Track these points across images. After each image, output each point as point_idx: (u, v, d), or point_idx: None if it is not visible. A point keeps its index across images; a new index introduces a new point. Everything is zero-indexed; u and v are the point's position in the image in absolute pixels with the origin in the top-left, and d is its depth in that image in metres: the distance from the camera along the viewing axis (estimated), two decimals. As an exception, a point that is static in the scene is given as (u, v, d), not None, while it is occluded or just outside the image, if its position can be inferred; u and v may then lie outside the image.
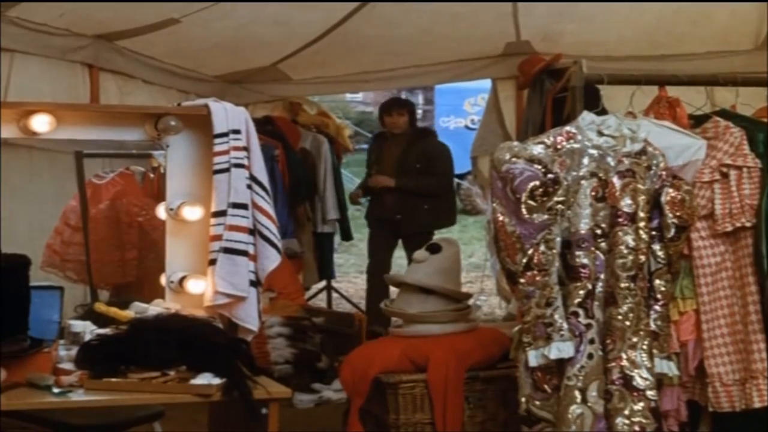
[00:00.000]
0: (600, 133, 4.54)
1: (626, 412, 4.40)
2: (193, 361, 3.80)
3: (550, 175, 4.40)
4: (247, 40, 7.69)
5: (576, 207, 4.44)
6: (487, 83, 8.82)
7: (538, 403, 4.47)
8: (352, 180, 12.59)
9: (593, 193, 4.46)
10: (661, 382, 4.52)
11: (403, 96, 20.93)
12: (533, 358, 4.42)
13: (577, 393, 4.38)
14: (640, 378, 4.41)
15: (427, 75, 8.99)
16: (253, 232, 4.32)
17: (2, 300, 3.72)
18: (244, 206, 4.30)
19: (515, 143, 4.61)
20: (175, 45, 7.34)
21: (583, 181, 4.45)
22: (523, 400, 4.50)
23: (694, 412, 4.71)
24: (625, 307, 4.42)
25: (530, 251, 4.39)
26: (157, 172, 5.09)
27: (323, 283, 9.86)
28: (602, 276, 4.44)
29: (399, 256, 8.72)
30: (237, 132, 4.36)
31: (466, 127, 17.70)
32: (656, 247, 4.51)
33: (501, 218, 4.43)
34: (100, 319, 4.26)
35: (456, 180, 16.53)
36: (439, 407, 5.02)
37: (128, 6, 6.30)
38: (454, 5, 7.31)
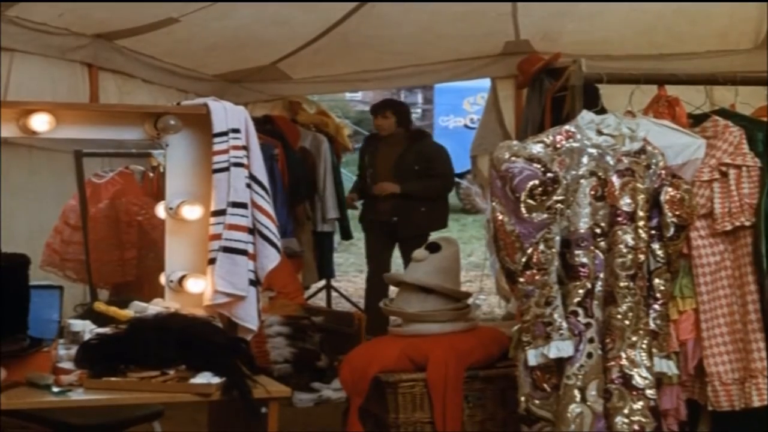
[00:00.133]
0: (599, 132, 4.54)
1: (625, 411, 4.40)
2: (193, 361, 3.81)
3: (549, 174, 4.40)
4: (246, 39, 7.68)
5: (575, 206, 4.45)
6: (486, 82, 8.82)
7: (537, 402, 4.48)
8: (351, 179, 12.59)
9: (592, 192, 4.46)
10: (660, 381, 4.52)
11: (402, 95, 21.06)
12: (532, 357, 4.42)
13: (576, 392, 4.38)
14: (640, 377, 4.41)
15: (426, 74, 8.98)
16: (252, 231, 4.32)
17: (2, 299, 3.73)
18: (243, 205, 4.31)
19: (514, 142, 4.62)
20: (175, 44, 7.33)
21: (582, 180, 4.45)
22: (522, 399, 4.50)
23: (693, 411, 4.72)
24: (624, 306, 4.42)
25: (529, 250, 4.40)
26: (157, 171, 5.09)
27: (323, 283, 9.86)
28: (601, 275, 4.44)
29: (395, 255, 8.67)
30: (236, 131, 4.37)
31: (466, 126, 17.70)
32: (655, 246, 4.51)
33: (500, 217, 4.44)
34: (99, 319, 4.26)
35: (456, 179, 16.61)
36: (438, 406, 5.03)
37: (127, 5, 6.30)
38: (454, 5, 7.30)
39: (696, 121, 4.87)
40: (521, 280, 4.42)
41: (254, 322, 4.32)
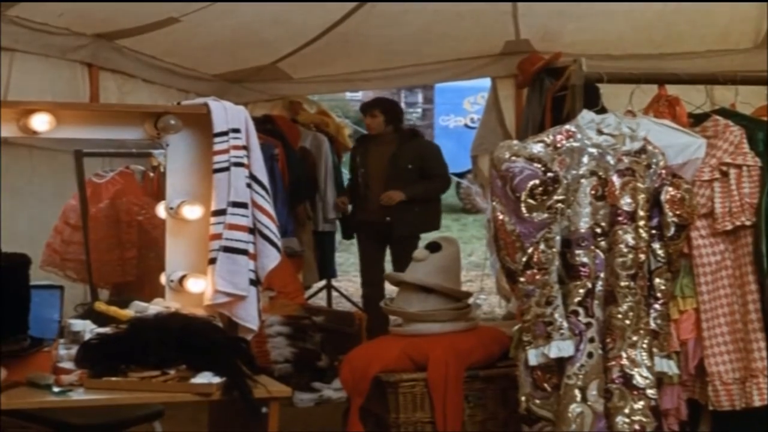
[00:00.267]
0: (600, 132, 4.54)
1: (626, 410, 4.40)
2: (193, 360, 3.80)
3: (549, 174, 4.40)
4: (246, 39, 7.69)
5: (576, 206, 4.45)
6: (486, 82, 8.81)
7: (538, 401, 4.48)
8: (351, 179, 12.56)
9: (593, 192, 4.46)
10: (661, 380, 4.52)
11: (403, 95, 21.06)
12: (533, 356, 4.42)
13: (577, 392, 4.38)
14: (640, 377, 4.41)
15: (426, 74, 8.97)
16: (253, 230, 4.32)
17: (2, 299, 3.72)
18: (243, 205, 4.31)
19: (515, 142, 4.62)
20: (175, 44, 7.33)
21: (582, 180, 4.46)
22: (523, 398, 4.50)
23: (694, 411, 4.72)
24: (625, 306, 4.42)
25: (530, 250, 4.40)
26: (157, 171, 5.09)
27: (323, 282, 9.85)
28: (602, 275, 4.44)
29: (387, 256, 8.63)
30: (237, 131, 4.36)
31: (466, 125, 17.70)
32: (656, 245, 4.51)
33: (501, 217, 4.43)
34: (100, 318, 4.26)
35: (456, 179, 16.62)
36: (439, 406, 5.03)
37: (128, 5, 6.30)
38: (454, 4, 7.31)
39: (696, 120, 4.87)
40: (522, 279, 4.42)
41: (255, 321, 4.32)
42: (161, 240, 4.54)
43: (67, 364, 3.88)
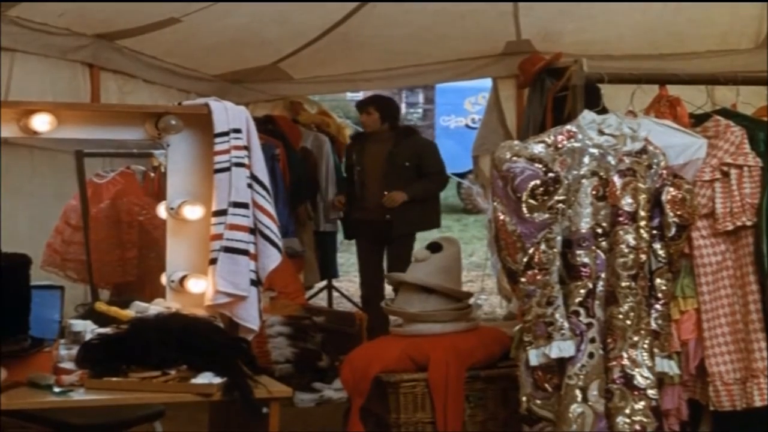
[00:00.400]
0: (601, 132, 4.54)
1: (627, 411, 4.40)
2: (194, 361, 3.81)
3: (550, 174, 4.40)
4: (247, 39, 7.69)
5: (577, 206, 4.44)
6: (487, 82, 8.81)
7: (539, 402, 4.47)
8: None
9: (594, 192, 4.46)
10: (661, 381, 4.52)
11: (404, 95, 21.05)
12: (534, 357, 4.42)
13: (577, 392, 4.37)
14: (641, 377, 4.41)
15: (427, 74, 8.96)
16: (253, 231, 4.32)
17: (3, 299, 3.72)
18: (244, 205, 4.31)
19: (516, 142, 4.62)
20: (176, 44, 7.34)
21: (583, 180, 4.45)
22: (523, 399, 4.50)
23: (694, 411, 4.71)
24: (626, 306, 4.42)
25: (531, 250, 4.39)
26: (158, 171, 5.10)
27: (324, 282, 9.85)
28: (603, 275, 4.44)
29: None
30: (238, 131, 4.37)
31: (467, 126, 17.70)
32: (657, 246, 4.51)
33: (502, 217, 4.43)
34: (100, 319, 4.26)
35: (457, 179, 16.62)
36: (439, 406, 5.02)
37: (128, 5, 6.30)
38: (455, 4, 7.30)
39: (697, 120, 4.87)
40: (523, 280, 4.42)
41: (255, 322, 4.32)
42: (162, 240, 4.54)
43: (68, 365, 3.88)
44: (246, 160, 4.35)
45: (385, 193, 8.04)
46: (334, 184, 9.19)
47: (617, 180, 4.47)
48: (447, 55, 8.44)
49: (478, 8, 7.42)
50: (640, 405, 4.40)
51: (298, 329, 6.93)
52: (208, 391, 3.73)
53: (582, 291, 4.42)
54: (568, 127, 4.57)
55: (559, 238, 4.42)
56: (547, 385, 4.46)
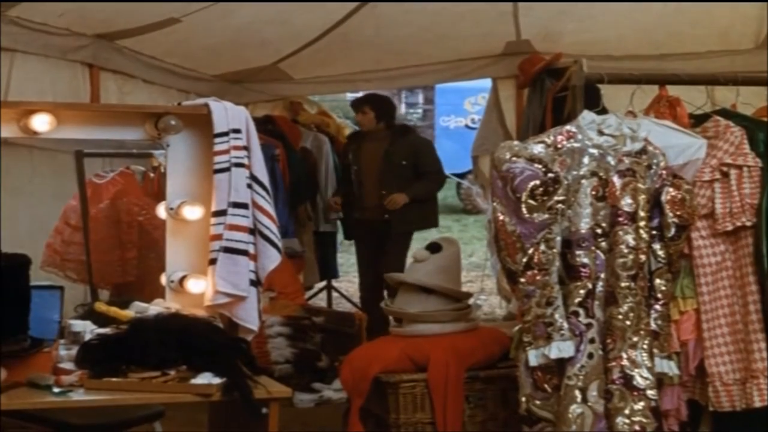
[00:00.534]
0: (600, 133, 4.54)
1: (626, 411, 4.40)
2: (194, 361, 3.80)
3: (550, 175, 4.40)
4: (247, 39, 7.69)
5: (576, 206, 4.44)
6: (487, 82, 8.81)
7: (538, 402, 4.48)
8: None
9: (593, 193, 4.46)
10: (661, 381, 4.52)
11: (404, 95, 21.04)
12: (533, 357, 4.42)
13: (577, 392, 4.37)
14: (641, 377, 4.41)
15: (427, 74, 8.96)
16: (253, 231, 4.32)
17: (3, 300, 3.72)
18: (244, 206, 4.31)
19: (515, 142, 4.62)
20: (176, 44, 7.34)
21: (583, 181, 4.45)
22: (523, 399, 4.50)
23: (694, 412, 4.71)
24: (625, 307, 4.42)
25: (530, 251, 4.39)
26: (158, 171, 5.10)
27: (323, 283, 9.85)
28: (602, 275, 4.44)
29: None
30: (237, 131, 4.36)
31: (467, 126, 17.70)
32: (656, 246, 4.51)
33: (501, 217, 4.43)
34: (100, 319, 4.26)
35: (457, 179, 16.62)
36: (439, 407, 5.02)
37: (128, 5, 6.30)
38: (455, 5, 7.30)
39: (697, 121, 4.87)
40: (522, 280, 4.42)
41: (255, 322, 4.32)
42: (161, 240, 4.54)
43: (68, 365, 3.88)
44: (246, 161, 4.35)
45: (383, 192, 8.01)
46: (333, 185, 9.19)
47: (617, 180, 4.47)
48: (447, 55, 8.44)
49: (478, 8, 7.42)
50: (640, 405, 4.40)
51: (298, 329, 6.93)
52: (207, 392, 3.73)
53: (581, 291, 4.42)
54: (568, 127, 4.57)
55: (558, 238, 4.42)
56: (546, 386, 4.46)
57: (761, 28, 7.53)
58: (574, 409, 4.37)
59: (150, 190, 5.34)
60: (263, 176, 4.41)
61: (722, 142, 4.67)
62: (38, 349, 3.84)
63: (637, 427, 4.39)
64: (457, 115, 18.39)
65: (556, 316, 4.38)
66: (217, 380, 3.75)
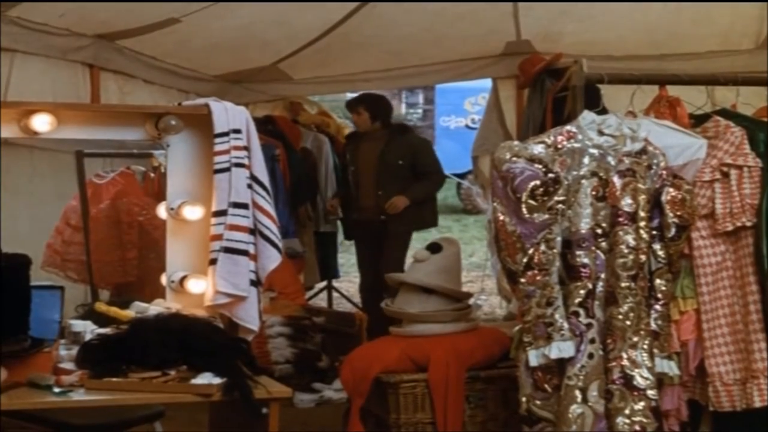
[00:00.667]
0: (600, 133, 4.54)
1: (627, 411, 4.40)
2: (194, 361, 3.81)
3: (550, 175, 4.40)
4: (247, 39, 7.69)
5: (576, 206, 4.45)
6: (487, 82, 8.81)
7: (538, 402, 4.48)
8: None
9: (594, 193, 4.46)
10: (661, 381, 4.52)
11: (404, 96, 21.03)
12: (534, 357, 4.42)
13: (577, 392, 4.38)
14: (641, 377, 4.41)
15: (427, 74, 8.95)
16: (253, 231, 4.32)
17: (3, 299, 3.72)
18: (244, 206, 4.31)
19: (516, 143, 4.62)
20: (176, 45, 7.34)
21: (583, 181, 4.45)
22: (523, 399, 4.50)
23: (694, 412, 4.71)
24: (625, 307, 4.42)
25: (531, 251, 4.39)
26: (158, 171, 5.10)
27: (324, 283, 9.85)
28: (603, 275, 4.44)
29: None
30: (237, 131, 4.36)
31: (467, 126, 17.70)
32: (657, 246, 4.51)
33: (501, 218, 4.43)
34: (100, 319, 4.26)
35: (457, 180, 16.62)
36: (439, 407, 5.03)
37: (128, 6, 6.30)
38: (455, 5, 7.31)
39: (697, 121, 4.87)
40: (522, 280, 4.42)
41: (255, 322, 4.32)
42: (162, 241, 4.54)
43: (68, 365, 3.88)
44: (246, 161, 4.35)
45: (379, 193, 7.99)
46: (333, 185, 9.19)
47: (617, 180, 4.47)
48: (447, 55, 8.44)
49: (478, 9, 7.42)
50: (640, 405, 4.40)
51: (298, 330, 6.92)
52: (207, 392, 3.73)
53: (582, 291, 4.42)
54: (568, 127, 4.57)
55: (558, 238, 4.42)
56: (546, 386, 4.46)
57: (761, 28, 7.54)
58: (575, 409, 4.37)
59: (150, 190, 5.34)
60: (263, 176, 4.41)
61: (722, 142, 4.67)
62: (38, 349, 3.84)
63: (637, 427, 4.39)
64: (458, 115, 18.40)
65: (557, 316, 4.38)
66: (217, 380, 3.75)
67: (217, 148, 4.33)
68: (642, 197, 4.46)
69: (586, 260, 4.42)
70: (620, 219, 4.45)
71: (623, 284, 4.42)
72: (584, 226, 4.44)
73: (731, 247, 4.63)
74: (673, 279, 4.57)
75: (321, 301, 9.91)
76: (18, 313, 3.79)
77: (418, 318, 5.25)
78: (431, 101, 20.12)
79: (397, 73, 8.80)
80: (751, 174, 4.61)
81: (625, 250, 4.43)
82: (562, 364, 4.40)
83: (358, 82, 9.27)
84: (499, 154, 4.47)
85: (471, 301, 5.51)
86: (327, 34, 7.84)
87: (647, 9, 7.37)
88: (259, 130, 4.68)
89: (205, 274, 4.34)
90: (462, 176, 16.45)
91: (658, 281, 4.51)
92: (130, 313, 4.29)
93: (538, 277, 4.39)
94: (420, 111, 21.42)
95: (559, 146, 4.49)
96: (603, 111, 4.81)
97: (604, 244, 4.45)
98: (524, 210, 4.37)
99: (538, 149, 4.46)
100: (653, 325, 4.49)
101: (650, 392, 4.42)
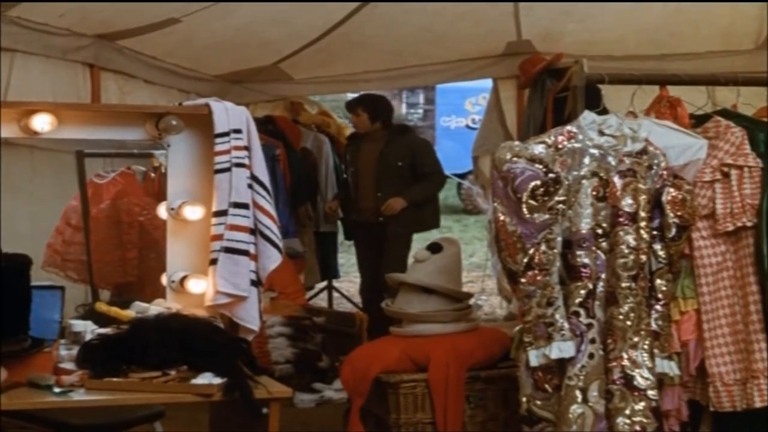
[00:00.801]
0: (601, 133, 4.54)
1: (627, 411, 4.40)
2: (194, 361, 3.81)
3: (551, 175, 4.40)
4: (248, 39, 7.69)
5: (577, 206, 4.44)
6: (488, 83, 8.81)
7: (539, 402, 4.48)
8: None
9: (594, 193, 4.46)
10: (662, 381, 4.52)
11: (404, 96, 21.02)
12: (534, 357, 4.42)
13: (578, 393, 4.37)
14: (641, 378, 4.41)
15: (428, 74, 8.95)
16: (254, 231, 4.32)
17: (3, 299, 3.72)
18: (245, 206, 4.31)
19: (516, 143, 4.62)
20: (176, 45, 7.34)
21: (584, 181, 4.45)
22: (524, 399, 4.50)
23: (695, 412, 4.71)
24: (626, 307, 4.42)
25: (531, 251, 4.39)
26: (158, 171, 5.10)
27: (324, 283, 9.85)
28: (603, 276, 4.44)
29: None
30: (238, 131, 4.37)
31: (467, 126, 17.71)
32: (657, 246, 4.51)
33: (502, 218, 4.43)
34: (101, 319, 4.27)
35: (457, 180, 16.62)
36: (440, 407, 5.02)
37: (129, 6, 6.30)
38: (455, 5, 7.31)
39: (698, 121, 4.87)
40: (523, 280, 4.42)
41: (255, 322, 4.32)
42: (162, 241, 4.54)
43: (68, 365, 3.88)
44: (246, 161, 4.35)
45: (378, 194, 7.96)
46: (333, 185, 9.19)
47: (617, 181, 4.47)
48: (447, 55, 8.44)
49: (479, 8, 7.42)
50: (640, 406, 4.40)
51: (299, 330, 6.93)
52: (208, 392, 3.73)
53: (582, 292, 4.42)
54: (569, 127, 4.57)
55: (559, 238, 4.42)
56: (547, 386, 4.46)
57: (761, 28, 7.53)
58: (575, 409, 4.37)
59: (151, 190, 5.34)
60: (264, 176, 4.41)
61: (723, 142, 4.67)
62: (39, 349, 3.84)
63: (637, 428, 4.39)
64: (458, 115, 18.40)
65: (557, 316, 4.38)
66: (217, 380, 3.75)
67: (218, 148, 4.34)
68: (642, 197, 4.46)
69: (586, 260, 4.42)
70: (621, 219, 4.45)
71: (624, 284, 4.42)
72: (585, 226, 4.44)
73: (732, 248, 4.63)
74: (673, 279, 4.57)
75: (321, 301, 9.91)
76: (18, 313, 3.79)
77: (419, 318, 5.25)
78: (432, 101, 20.13)
79: (397, 73, 8.80)
80: (752, 174, 4.61)
81: (626, 251, 4.43)
82: (562, 364, 4.40)
83: (359, 82, 9.27)
84: (500, 154, 4.47)
85: (471, 301, 5.51)
86: (327, 34, 7.84)
87: (647, 9, 7.37)
88: (260, 130, 4.68)
89: (206, 274, 4.34)
90: (462, 176, 16.45)
91: (658, 281, 4.51)
92: (130, 313, 4.30)
93: (539, 277, 4.39)
94: (420, 111, 21.42)
95: (560, 146, 4.49)
96: (603, 111, 4.80)
97: (604, 244, 4.45)
98: (525, 210, 4.37)
99: (538, 149, 4.46)
100: (654, 326, 4.48)
101: (651, 392, 4.42)
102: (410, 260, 6.65)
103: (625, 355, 4.42)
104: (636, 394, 4.40)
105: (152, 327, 3.92)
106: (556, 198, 4.39)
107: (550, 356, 4.37)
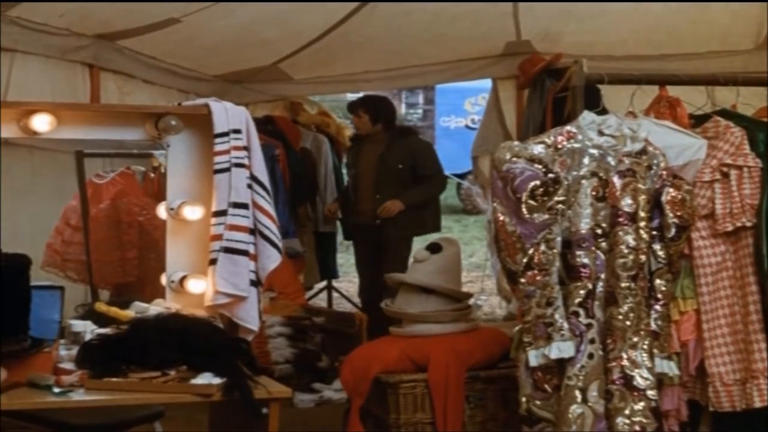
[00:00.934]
0: (600, 133, 4.54)
1: (627, 411, 4.40)
2: (194, 361, 3.81)
3: (550, 175, 4.40)
4: (247, 39, 7.69)
5: (576, 207, 4.45)
6: (487, 83, 8.81)
7: (538, 402, 4.48)
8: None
9: (594, 193, 4.46)
10: (661, 381, 4.52)
11: (404, 96, 21.03)
12: (534, 357, 4.42)
13: (577, 393, 4.38)
14: (641, 378, 4.41)
15: (427, 74, 8.95)
16: (253, 231, 4.32)
17: (3, 300, 3.72)
18: (244, 206, 4.31)
19: (516, 143, 4.62)
20: (176, 45, 7.34)
21: (583, 181, 4.45)
22: (523, 399, 4.50)
23: (694, 412, 4.71)
24: (625, 307, 4.42)
25: (531, 251, 4.39)
26: (158, 171, 5.10)
27: (324, 283, 9.85)
28: (603, 276, 4.44)
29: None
30: (237, 131, 4.37)
31: (467, 126, 17.70)
32: (657, 246, 4.51)
33: (501, 218, 4.43)
34: (100, 319, 4.27)
35: (457, 180, 16.62)
36: (439, 407, 5.02)
37: (129, 6, 6.30)
38: (455, 5, 7.31)
39: (697, 121, 4.87)
40: (522, 280, 4.42)
41: (255, 322, 4.32)
42: (162, 241, 4.54)
43: (68, 365, 3.88)
44: (246, 161, 4.35)
45: (377, 197, 7.91)
46: (332, 185, 9.19)
47: (617, 181, 4.48)
48: (447, 55, 8.44)
49: (478, 9, 7.42)
50: (640, 406, 4.40)
51: (298, 330, 6.93)
52: (207, 392, 3.73)
53: (582, 292, 4.42)
54: (568, 127, 4.57)
55: (558, 238, 4.42)
56: (546, 386, 4.46)
57: (761, 28, 7.54)
58: (575, 409, 4.37)
59: (150, 190, 5.34)
60: (263, 176, 4.42)
61: (722, 142, 4.67)
62: (38, 349, 3.84)
63: (637, 428, 4.39)
64: (458, 115, 18.40)
65: (557, 316, 4.38)
66: (217, 380, 3.75)
67: (217, 148, 4.34)
68: (642, 197, 4.46)
69: (586, 260, 4.42)
70: (620, 219, 4.45)
71: (623, 284, 4.42)
72: (584, 226, 4.44)
73: (731, 248, 4.63)
74: (673, 279, 4.57)
75: (321, 301, 9.91)
76: (18, 313, 3.79)
77: (418, 318, 5.25)
78: (431, 101, 20.13)
79: (397, 73, 8.80)
80: (751, 174, 4.61)
81: (625, 251, 4.43)
82: (562, 364, 4.41)
83: (359, 82, 9.28)
84: (499, 154, 4.47)
85: (471, 301, 5.51)
86: (327, 34, 7.84)
87: (647, 9, 7.37)
88: (259, 130, 4.69)
89: (205, 274, 4.34)
90: (462, 176, 16.46)
91: (658, 281, 4.51)
92: (130, 313, 4.30)
93: (538, 278, 4.39)
94: (420, 111, 21.42)
95: (559, 146, 4.49)
96: (603, 111, 4.81)
97: (604, 244, 4.45)
98: (524, 210, 4.37)
99: (538, 149, 4.46)
100: (653, 326, 4.49)
101: (650, 392, 4.42)
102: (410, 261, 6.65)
103: (624, 355, 4.42)
104: (635, 394, 4.41)
105: (152, 327, 3.92)
106: (556, 198, 4.39)
107: (550, 356, 4.37)
